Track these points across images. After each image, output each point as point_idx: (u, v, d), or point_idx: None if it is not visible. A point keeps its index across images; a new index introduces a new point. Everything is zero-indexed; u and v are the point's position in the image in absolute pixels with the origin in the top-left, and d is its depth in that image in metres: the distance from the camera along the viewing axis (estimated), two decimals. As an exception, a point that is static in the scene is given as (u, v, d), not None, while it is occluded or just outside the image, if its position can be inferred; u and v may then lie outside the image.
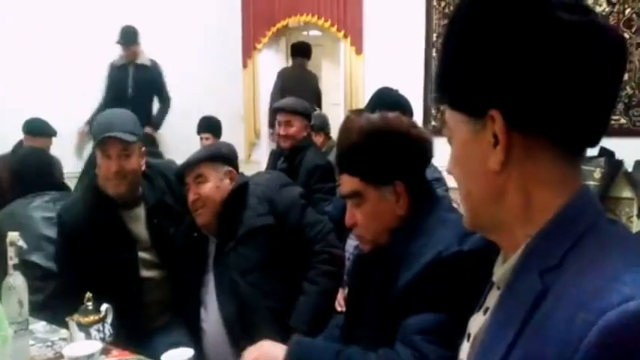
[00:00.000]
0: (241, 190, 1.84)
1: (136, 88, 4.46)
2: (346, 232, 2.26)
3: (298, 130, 2.96)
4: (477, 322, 0.76)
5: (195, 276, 1.86)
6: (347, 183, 1.29)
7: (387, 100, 2.45)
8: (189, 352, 1.33)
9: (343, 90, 5.28)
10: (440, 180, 2.23)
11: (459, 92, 0.66)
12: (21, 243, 1.41)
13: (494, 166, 0.64)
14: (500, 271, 0.70)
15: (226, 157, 1.89)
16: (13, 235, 1.40)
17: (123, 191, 1.83)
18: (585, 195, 0.64)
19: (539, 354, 0.55)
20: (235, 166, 1.91)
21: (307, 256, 1.82)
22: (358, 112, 2.59)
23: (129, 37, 4.43)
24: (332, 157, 3.57)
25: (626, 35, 3.92)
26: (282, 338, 1.34)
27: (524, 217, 0.65)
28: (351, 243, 2.12)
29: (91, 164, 2.77)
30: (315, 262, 1.80)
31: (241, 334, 1.69)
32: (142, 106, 4.28)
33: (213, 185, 1.80)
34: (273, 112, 3.14)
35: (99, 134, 1.78)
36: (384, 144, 1.23)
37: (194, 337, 1.84)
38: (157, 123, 4.65)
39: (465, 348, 0.79)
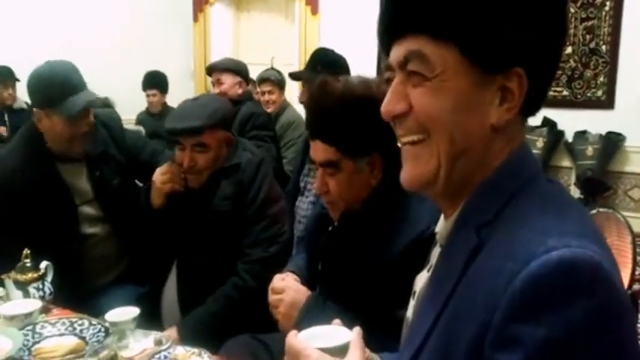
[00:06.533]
0: (235, 168, 1.71)
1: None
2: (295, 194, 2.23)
3: (229, 86, 2.85)
4: (421, 280, 0.77)
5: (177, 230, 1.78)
6: (321, 150, 1.21)
7: (326, 60, 2.39)
8: (135, 310, 1.30)
9: (297, 50, 5.18)
10: None
11: (482, 39, 0.60)
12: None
13: (500, 122, 0.62)
14: (442, 228, 0.72)
15: (228, 122, 1.75)
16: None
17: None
18: (525, 150, 0.66)
19: (470, 303, 0.58)
20: (231, 127, 1.79)
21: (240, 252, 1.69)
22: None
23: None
24: (285, 117, 3.56)
25: (572, 9, 4.03)
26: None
27: (482, 163, 0.65)
28: (302, 207, 2.10)
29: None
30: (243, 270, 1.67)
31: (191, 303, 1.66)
32: None
33: (213, 155, 1.67)
34: (207, 73, 3.04)
35: (69, 94, 1.67)
36: (365, 113, 1.11)
37: (156, 289, 1.79)
38: None
39: (411, 305, 0.80)
